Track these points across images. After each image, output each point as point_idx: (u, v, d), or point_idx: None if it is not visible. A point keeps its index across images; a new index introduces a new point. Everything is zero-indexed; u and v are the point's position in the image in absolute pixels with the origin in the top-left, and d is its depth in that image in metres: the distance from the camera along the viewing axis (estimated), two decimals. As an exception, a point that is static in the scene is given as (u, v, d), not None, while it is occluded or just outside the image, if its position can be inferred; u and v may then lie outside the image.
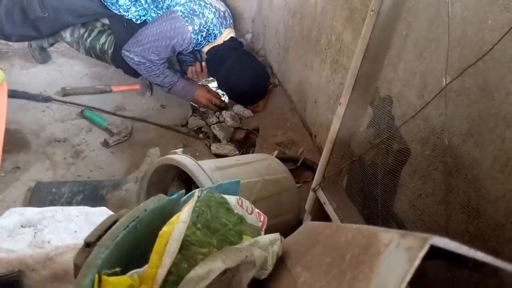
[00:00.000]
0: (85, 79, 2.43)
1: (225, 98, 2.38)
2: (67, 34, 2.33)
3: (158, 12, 2.21)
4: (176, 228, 0.66)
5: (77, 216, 1.20)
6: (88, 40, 2.32)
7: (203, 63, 2.38)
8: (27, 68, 2.43)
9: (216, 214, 0.74)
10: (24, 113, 2.07)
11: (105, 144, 1.93)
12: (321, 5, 1.78)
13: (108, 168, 1.82)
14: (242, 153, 2.02)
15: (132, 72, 2.29)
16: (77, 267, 0.65)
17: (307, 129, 2.11)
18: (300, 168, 1.86)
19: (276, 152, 1.57)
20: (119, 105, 2.24)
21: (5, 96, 1.28)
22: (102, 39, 2.32)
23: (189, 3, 2.12)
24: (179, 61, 2.52)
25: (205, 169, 1.25)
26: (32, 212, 1.20)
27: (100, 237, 0.66)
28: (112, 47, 2.29)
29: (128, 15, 2.22)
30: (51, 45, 2.50)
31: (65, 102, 2.17)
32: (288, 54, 2.33)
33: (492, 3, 0.81)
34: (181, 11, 2.08)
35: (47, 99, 2.16)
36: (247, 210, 0.83)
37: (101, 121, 2.04)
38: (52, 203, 1.58)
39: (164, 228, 0.66)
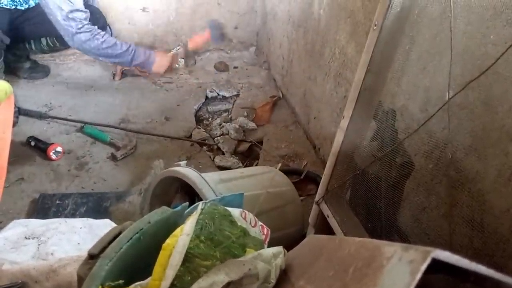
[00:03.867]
0: (90, 92, 2.45)
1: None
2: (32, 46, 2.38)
3: None
4: (180, 240, 0.66)
5: (80, 228, 1.20)
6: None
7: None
8: (33, 80, 2.46)
9: (220, 226, 0.74)
10: (30, 125, 2.08)
11: (113, 158, 1.93)
12: (325, 19, 1.79)
13: (112, 180, 1.82)
14: (246, 166, 2.02)
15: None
16: (80, 279, 0.65)
17: (311, 142, 2.12)
18: (304, 181, 1.86)
19: (279, 165, 1.57)
20: (124, 117, 2.25)
21: (12, 109, 1.29)
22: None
23: None
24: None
25: (209, 182, 1.25)
26: (36, 223, 1.20)
27: (103, 249, 0.67)
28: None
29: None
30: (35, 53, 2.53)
31: (64, 119, 2.15)
32: (292, 67, 2.34)
33: (494, 18, 0.81)
34: None
35: (42, 116, 2.15)
36: (250, 223, 0.83)
37: (103, 136, 2.04)
38: (56, 214, 1.58)
39: (168, 241, 0.66)
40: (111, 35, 2.44)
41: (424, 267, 0.40)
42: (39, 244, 1.11)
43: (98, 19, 2.30)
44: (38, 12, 2.18)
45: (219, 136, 2.20)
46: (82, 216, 1.57)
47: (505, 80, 0.80)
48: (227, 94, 2.56)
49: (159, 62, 2.21)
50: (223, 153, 2.07)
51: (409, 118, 1.10)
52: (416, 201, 1.08)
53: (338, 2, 1.63)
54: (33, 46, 2.38)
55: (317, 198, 1.27)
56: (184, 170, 1.31)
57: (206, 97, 2.55)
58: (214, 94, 2.57)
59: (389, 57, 1.05)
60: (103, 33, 2.10)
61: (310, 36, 2.00)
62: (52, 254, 1.09)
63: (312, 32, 1.97)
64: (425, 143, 1.01)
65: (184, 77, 2.70)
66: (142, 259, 0.69)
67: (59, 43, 2.37)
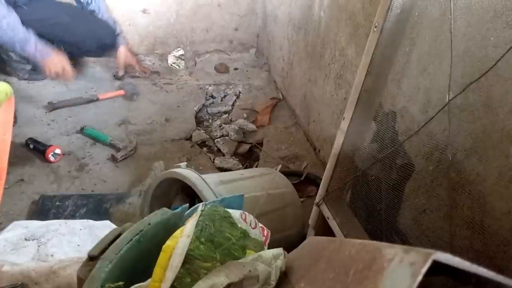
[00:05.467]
0: (90, 93, 2.44)
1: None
2: None
3: None
4: (180, 242, 0.66)
5: (80, 229, 1.20)
6: None
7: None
8: (34, 81, 2.46)
9: (220, 228, 0.74)
10: (31, 126, 2.08)
11: (113, 159, 1.93)
12: (325, 21, 1.79)
13: (112, 182, 1.82)
14: (246, 167, 2.02)
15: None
16: (80, 281, 0.65)
17: (311, 144, 2.12)
18: (304, 183, 1.86)
19: (279, 166, 1.57)
20: (124, 119, 2.25)
21: (12, 110, 1.29)
22: None
23: None
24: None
25: (209, 183, 1.25)
26: (36, 225, 1.20)
27: (103, 250, 0.67)
28: None
29: None
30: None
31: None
32: (292, 69, 2.34)
33: (495, 20, 0.81)
34: None
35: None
36: (250, 225, 0.83)
37: (103, 137, 2.04)
38: (56, 216, 1.58)
39: (168, 242, 0.66)
40: None
41: (425, 269, 0.40)
42: (39, 246, 1.11)
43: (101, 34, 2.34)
44: (39, 8, 2.18)
45: (219, 137, 2.20)
46: (82, 217, 1.56)
47: (505, 82, 0.80)
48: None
49: (51, 60, 2.17)
50: (223, 155, 2.07)
51: (409, 119, 1.10)
52: (416, 203, 1.08)
53: (338, 4, 1.64)
54: None
55: (317, 199, 1.27)
56: (184, 172, 1.31)
57: (206, 98, 2.55)
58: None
59: (390, 58, 1.05)
60: (13, 19, 2.02)
61: (310, 38, 2.00)
62: (52, 255, 1.09)
63: (312, 34, 1.97)
64: (426, 144, 1.01)
65: (184, 78, 2.71)
66: (142, 260, 0.69)
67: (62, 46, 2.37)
